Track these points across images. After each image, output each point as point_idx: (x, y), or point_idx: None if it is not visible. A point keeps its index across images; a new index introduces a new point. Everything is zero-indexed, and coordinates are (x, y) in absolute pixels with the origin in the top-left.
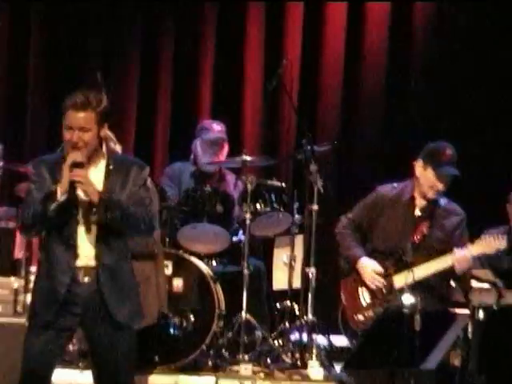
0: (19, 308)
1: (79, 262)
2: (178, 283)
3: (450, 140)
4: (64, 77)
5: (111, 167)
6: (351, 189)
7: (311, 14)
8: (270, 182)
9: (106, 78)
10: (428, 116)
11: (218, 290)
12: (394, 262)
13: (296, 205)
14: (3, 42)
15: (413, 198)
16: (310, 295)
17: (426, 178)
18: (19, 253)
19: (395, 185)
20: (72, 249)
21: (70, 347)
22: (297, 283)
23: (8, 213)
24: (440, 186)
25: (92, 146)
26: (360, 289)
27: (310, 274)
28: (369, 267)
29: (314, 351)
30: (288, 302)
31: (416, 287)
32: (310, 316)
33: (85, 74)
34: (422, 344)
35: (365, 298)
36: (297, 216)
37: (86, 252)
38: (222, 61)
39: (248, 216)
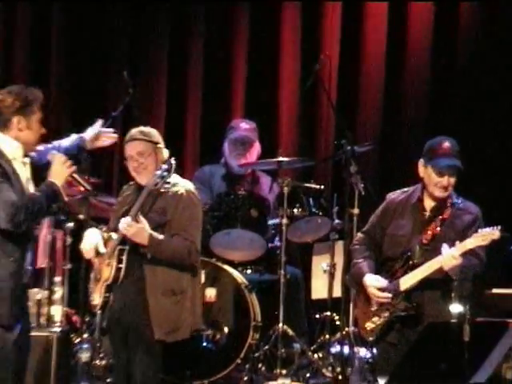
0: (42, 320)
1: None
2: (210, 293)
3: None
4: (89, 77)
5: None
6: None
7: (350, 12)
8: (307, 184)
9: (133, 77)
10: (473, 115)
11: (254, 301)
12: (402, 264)
13: (335, 209)
14: (25, 40)
15: (420, 200)
16: (351, 305)
17: (429, 177)
18: (42, 262)
19: (406, 189)
20: None
21: (97, 362)
22: (337, 292)
23: None
24: (444, 182)
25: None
26: (369, 299)
27: None
28: (370, 285)
29: (356, 364)
30: (328, 313)
31: (462, 296)
32: (352, 327)
33: (110, 74)
34: (471, 356)
35: (373, 305)
36: (336, 221)
37: None
38: (256, 57)
39: (284, 221)
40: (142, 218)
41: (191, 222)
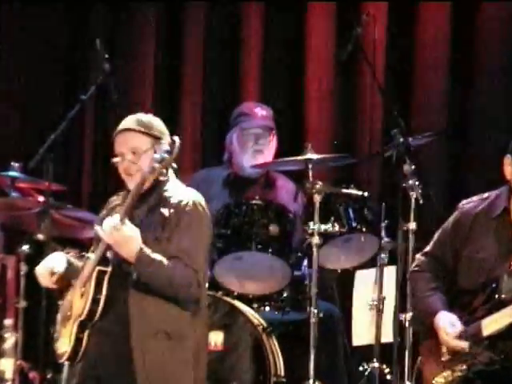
0: None
1: None
2: (216, 339)
3: None
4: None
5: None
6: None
7: None
8: (345, 190)
9: (111, 47)
10: None
11: (274, 348)
12: (485, 300)
13: (384, 223)
14: None
15: (508, 211)
16: (406, 353)
17: None
18: None
19: (486, 195)
20: None
21: None
22: (387, 336)
23: None
24: None
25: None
26: (441, 346)
27: (407, 323)
28: (443, 327)
29: None
30: (375, 364)
31: None
32: (408, 382)
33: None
34: None
35: (444, 354)
36: (386, 239)
37: None
38: (276, 21)
39: (316, 241)
40: (130, 224)
41: (196, 245)
